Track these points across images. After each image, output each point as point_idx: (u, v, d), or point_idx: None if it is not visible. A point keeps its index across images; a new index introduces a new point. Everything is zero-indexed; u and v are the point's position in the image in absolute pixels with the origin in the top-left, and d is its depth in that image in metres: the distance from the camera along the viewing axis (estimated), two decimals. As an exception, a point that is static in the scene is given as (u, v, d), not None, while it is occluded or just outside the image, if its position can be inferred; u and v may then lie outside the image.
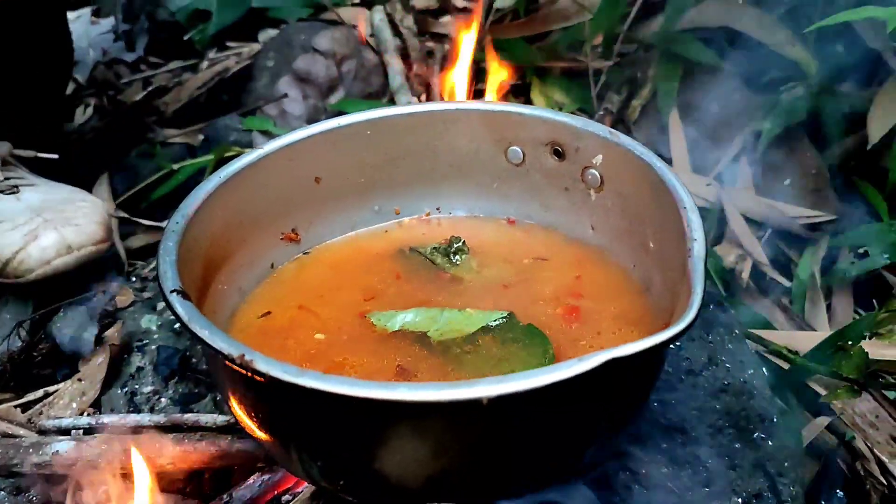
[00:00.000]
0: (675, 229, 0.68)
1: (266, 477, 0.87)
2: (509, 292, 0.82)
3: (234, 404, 0.64)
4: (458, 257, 0.87)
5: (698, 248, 0.63)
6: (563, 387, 0.51)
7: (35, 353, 1.09)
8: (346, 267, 0.88)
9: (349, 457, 0.58)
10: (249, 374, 0.53)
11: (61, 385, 1.06)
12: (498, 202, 0.92)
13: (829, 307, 1.11)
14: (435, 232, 0.92)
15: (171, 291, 0.61)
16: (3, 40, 1.13)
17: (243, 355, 0.53)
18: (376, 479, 0.58)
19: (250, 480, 0.87)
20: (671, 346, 0.54)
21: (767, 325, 1.05)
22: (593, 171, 0.82)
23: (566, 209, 0.87)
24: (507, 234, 0.91)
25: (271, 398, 0.57)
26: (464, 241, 0.87)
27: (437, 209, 0.94)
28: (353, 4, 1.68)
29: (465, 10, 1.69)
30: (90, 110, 1.61)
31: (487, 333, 0.74)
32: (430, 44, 1.59)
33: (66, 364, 1.09)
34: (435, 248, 0.88)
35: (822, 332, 1.01)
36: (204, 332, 0.56)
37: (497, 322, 0.75)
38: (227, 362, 0.55)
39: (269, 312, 0.81)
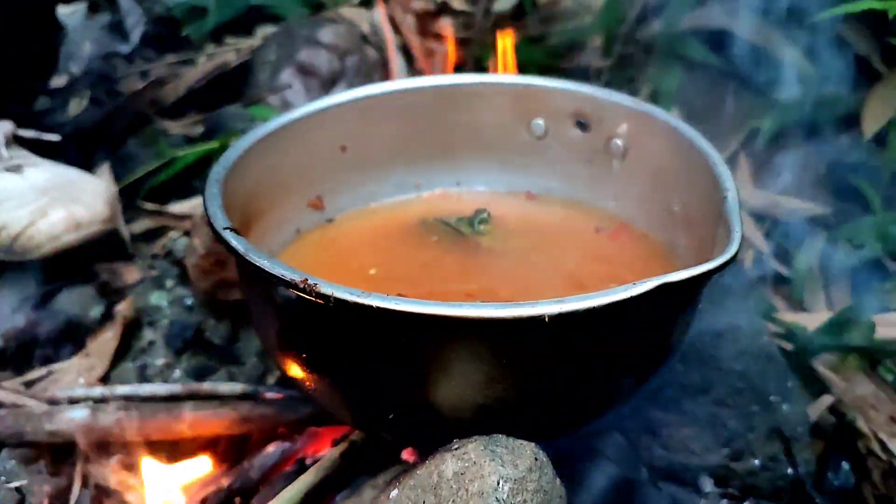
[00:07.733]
0: (704, 186, 0.71)
1: (287, 445, 0.87)
2: (534, 261, 0.83)
3: (283, 342, 0.64)
4: (482, 227, 0.88)
5: (732, 195, 0.65)
6: (620, 307, 0.52)
7: (38, 332, 1.08)
8: (370, 236, 0.89)
9: (404, 385, 0.59)
10: (311, 298, 0.54)
11: (67, 362, 1.05)
12: (518, 177, 0.93)
13: (827, 296, 1.15)
14: (455, 206, 0.93)
15: (224, 229, 0.61)
16: None
17: (306, 280, 0.54)
18: (428, 410, 0.59)
19: (270, 449, 0.86)
20: (714, 275, 0.56)
21: (772, 310, 1.08)
22: (617, 140, 0.85)
23: (588, 181, 0.89)
24: (527, 207, 0.93)
25: (329, 325, 0.58)
26: (488, 213, 0.88)
27: (458, 184, 0.95)
28: (353, 6, 1.71)
29: (462, 13, 1.73)
30: (85, 102, 1.61)
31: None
32: (431, 44, 1.62)
33: (68, 343, 1.07)
34: (460, 219, 0.89)
35: (827, 313, 1.04)
36: (263, 262, 0.57)
37: None
38: (286, 289, 0.55)
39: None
